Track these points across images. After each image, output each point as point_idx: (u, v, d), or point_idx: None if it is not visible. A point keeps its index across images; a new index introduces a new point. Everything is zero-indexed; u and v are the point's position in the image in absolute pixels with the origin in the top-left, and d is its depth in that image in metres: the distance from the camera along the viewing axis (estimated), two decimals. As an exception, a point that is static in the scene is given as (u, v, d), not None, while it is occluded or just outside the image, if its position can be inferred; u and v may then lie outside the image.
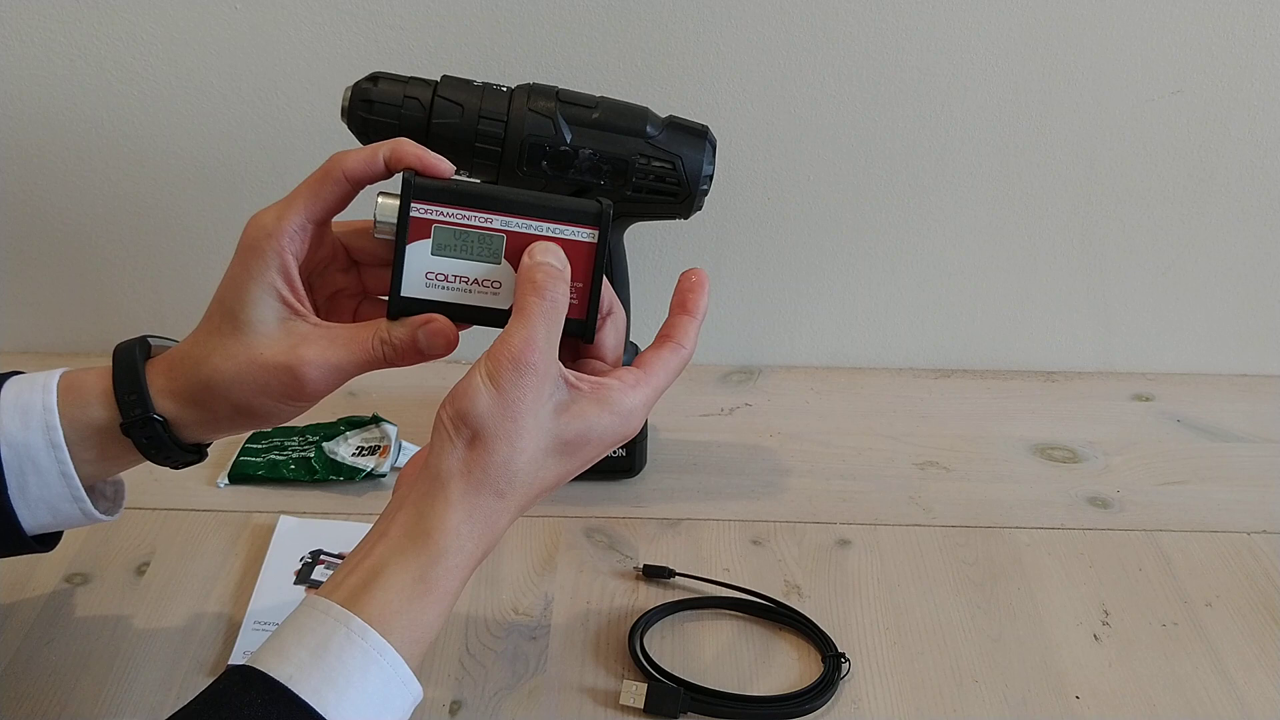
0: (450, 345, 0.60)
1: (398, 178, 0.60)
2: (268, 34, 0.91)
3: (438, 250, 0.60)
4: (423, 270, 0.60)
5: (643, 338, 0.90)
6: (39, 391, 0.61)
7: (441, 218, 0.59)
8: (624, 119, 0.76)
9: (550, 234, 0.60)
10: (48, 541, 0.66)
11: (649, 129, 0.76)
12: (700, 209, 0.78)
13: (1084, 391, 1.03)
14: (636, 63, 0.92)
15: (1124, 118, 0.95)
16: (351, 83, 0.74)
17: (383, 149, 0.60)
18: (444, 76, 0.75)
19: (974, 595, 0.78)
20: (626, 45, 0.92)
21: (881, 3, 0.90)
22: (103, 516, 0.64)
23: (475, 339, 1.04)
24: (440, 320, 0.60)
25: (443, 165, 0.60)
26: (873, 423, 0.98)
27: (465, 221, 0.59)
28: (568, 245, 0.60)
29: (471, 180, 0.64)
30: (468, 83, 0.75)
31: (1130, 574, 0.81)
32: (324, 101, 0.92)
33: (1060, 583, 0.80)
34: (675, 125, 0.77)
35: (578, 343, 0.62)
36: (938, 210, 0.99)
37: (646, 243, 0.98)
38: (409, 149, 0.60)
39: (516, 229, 0.60)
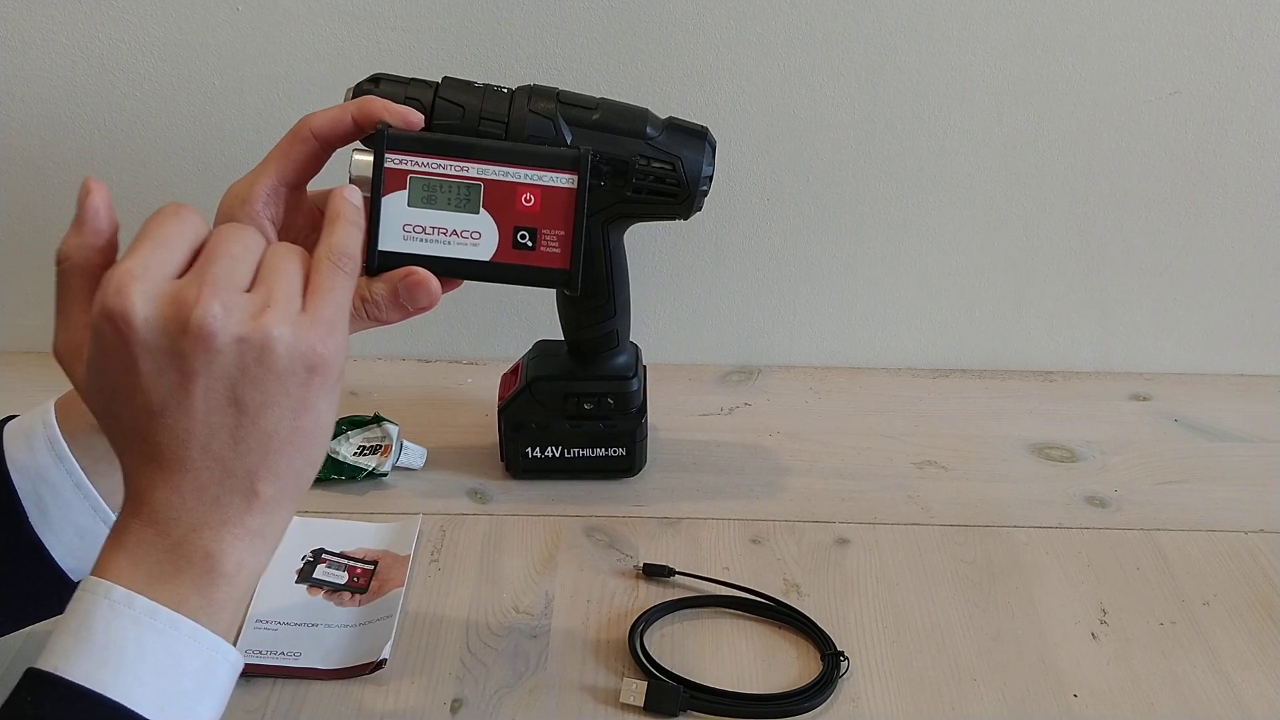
0: (432, 297, 0.59)
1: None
2: (269, 36, 0.91)
3: (414, 201, 0.59)
4: (399, 223, 0.59)
5: (642, 338, 0.90)
6: (37, 415, 0.61)
7: (417, 168, 0.59)
8: (624, 120, 0.76)
9: (529, 180, 0.59)
10: None
11: (649, 130, 0.76)
12: (700, 210, 0.79)
13: (1082, 391, 1.03)
14: (636, 64, 0.93)
15: (1122, 119, 0.95)
16: (353, 84, 0.75)
17: (350, 106, 0.59)
18: (445, 78, 0.75)
19: (972, 594, 0.79)
20: (627, 46, 0.92)
21: (881, 4, 0.91)
22: None
23: (473, 335, 1.04)
24: (419, 272, 0.58)
25: (413, 116, 0.60)
26: (871, 422, 0.98)
27: (442, 171, 0.59)
28: (548, 191, 0.59)
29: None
30: (469, 84, 0.75)
31: (1128, 573, 0.81)
32: (325, 103, 0.91)
33: (1058, 582, 0.80)
34: (675, 126, 0.78)
35: None
36: (936, 210, 0.99)
37: (646, 243, 0.98)
38: (377, 104, 0.59)
39: (494, 177, 0.59)
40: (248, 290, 0.51)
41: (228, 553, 0.51)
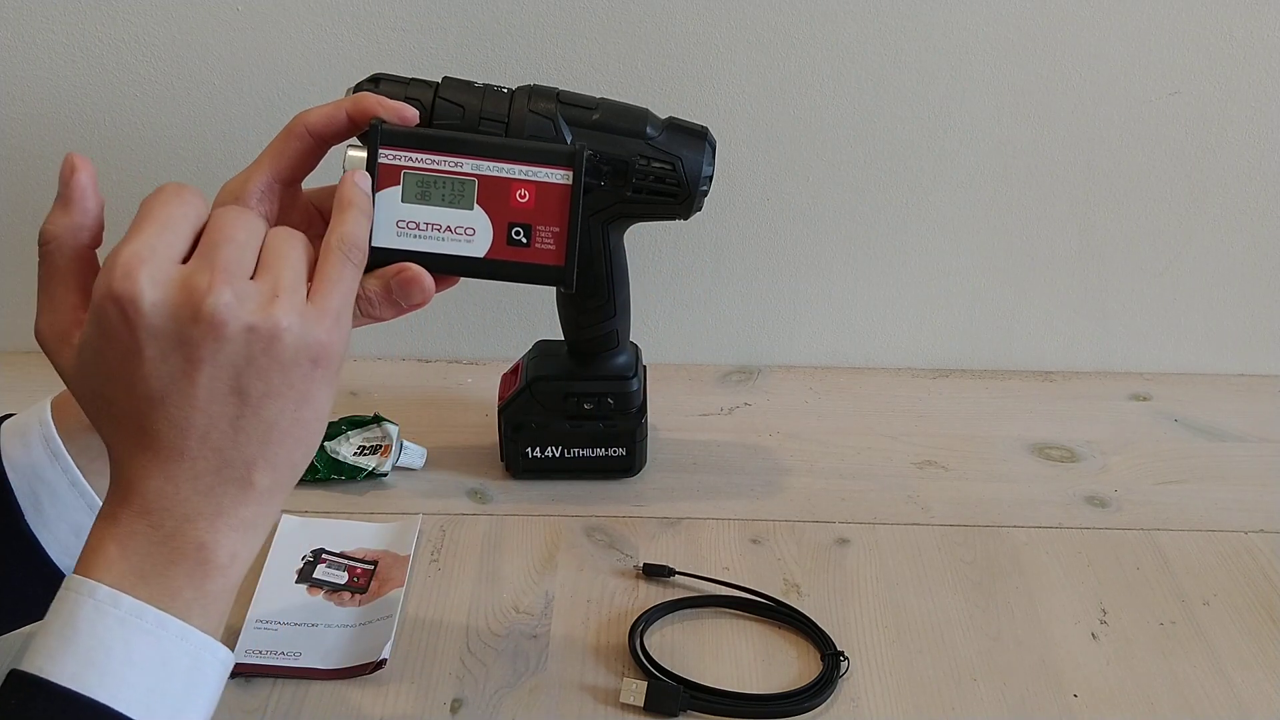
0: (425, 293, 0.58)
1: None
2: (269, 35, 0.91)
3: (408, 197, 0.59)
4: (393, 219, 0.59)
5: (642, 339, 0.90)
6: (34, 413, 0.62)
7: (411, 163, 0.59)
8: (624, 120, 0.76)
9: (523, 176, 0.59)
10: None
11: (649, 130, 0.76)
12: (700, 210, 0.79)
13: (1082, 391, 1.03)
14: (636, 64, 0.93)
15: (1122, 119, 0.95)
16: (353, 84, 0.75)
17: (345, 102, 0.59)
18: (445, 78, 0.75)
19: (972, 594, 0.79)
20: (627, 47, 0.92)
21: (881, 4, 0.91)
22: None
23: (473, 335, 1.04)
24: (413, 268, 0.58)
25: (407, 112, 0.59)
26: (871, 422, 0.98)
27: (435, 167, 0.59)
28: (543, 187, 0.59)
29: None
30: (469, 84, 0.75)
31: (1128, 573, 0.81)
32: (326, 102, 0.93)
33: (1058, 581, 0.80)
34: (675, 126, 0.78)
35: None
36: (936, 210, 0.99)
37: (646, 243, 0.98)
38: (371, 100, 0.59)
39: (488, 173, 0.59)
40: (251, 277, 0.50)
41: (221, 544, 0.50)
